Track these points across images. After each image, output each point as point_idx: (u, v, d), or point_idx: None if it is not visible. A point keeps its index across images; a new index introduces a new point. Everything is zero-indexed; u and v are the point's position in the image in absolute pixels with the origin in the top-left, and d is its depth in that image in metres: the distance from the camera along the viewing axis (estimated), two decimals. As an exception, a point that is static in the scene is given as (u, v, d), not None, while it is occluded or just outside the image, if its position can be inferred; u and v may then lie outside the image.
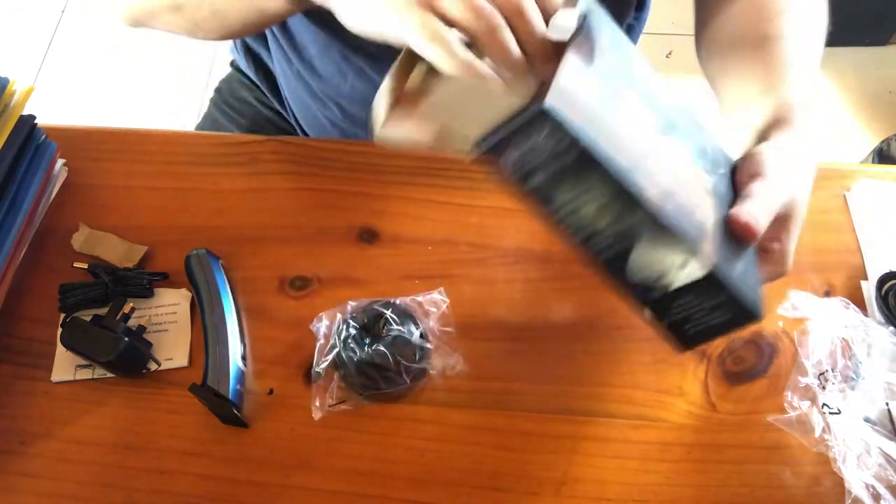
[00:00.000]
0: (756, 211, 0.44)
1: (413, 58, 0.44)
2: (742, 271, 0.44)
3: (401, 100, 0.44)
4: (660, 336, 0.46)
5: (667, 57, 1.76)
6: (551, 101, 0.37)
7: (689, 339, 0.46)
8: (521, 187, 0.40)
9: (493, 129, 0.38)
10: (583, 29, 0.41)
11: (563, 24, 0.40)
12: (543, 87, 0.39)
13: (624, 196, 0.39)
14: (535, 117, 0.37)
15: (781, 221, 0.48)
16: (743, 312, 0.43)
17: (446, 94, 0.42)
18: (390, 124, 0.44)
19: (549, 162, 0.38)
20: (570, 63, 0.39)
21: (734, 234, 0.44)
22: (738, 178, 0.48)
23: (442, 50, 0.38)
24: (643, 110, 0.44)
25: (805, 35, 0.58)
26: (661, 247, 0.41)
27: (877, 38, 1.78)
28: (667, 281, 0.42)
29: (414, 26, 0.39)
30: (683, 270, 0.41)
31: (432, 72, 0.43)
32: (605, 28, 0.45)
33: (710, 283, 0.42)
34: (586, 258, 0.43)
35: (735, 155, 0.51)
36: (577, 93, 0.39)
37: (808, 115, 0.53)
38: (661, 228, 0.40)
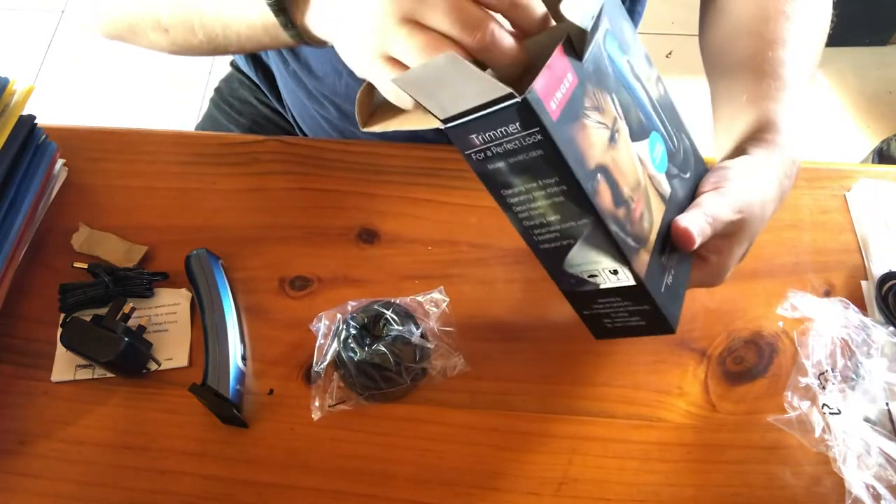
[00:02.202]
0: (698, 222, 0.45)
1: None
2: (672, 283, 0.47)
3: (380, 104, 0.46)
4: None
5: (667, 57, 1.76)
6: (534, 95, 0.36)
7: (605, 331, 0.50)
8: (481, 167, 0.41)
9: (468, 109, 0.38)
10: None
11: (584, 7, 0.39)
12: (527, 74, 0.39)
13: (577, 201, 0.40)
14: (512, 108, 0.37)
15: (727, 237, 0.49)
16: (660, 324, 0.47)
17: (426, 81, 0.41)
18: (372, 124, 0.46)
19: (514, 152, 0.39)
20: (559, 58, 0.39)
21: (674, 241, 0.46)
22: (701, 187, 0.49)
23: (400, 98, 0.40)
24: (621, 114, 0.44)
25: (805, 39, 0.58)
26: (599, 251, 0.43)
27: (877, 38, 1.78)
28: (598, 280, 0.45)
29: (376, 80, 0.41)
30: (614, 276, 0.44)
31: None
32: (610, 15, 0.44)
33: (637, 293, 0.45)
34: (528, 242, 0.45)
35: (711, 158, 0.52)
36: (557, 91, 0.39)
37: (791, 135, 0.52)
38: (603, 237, 0.42)
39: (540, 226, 0.43)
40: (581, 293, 0.47)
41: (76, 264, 0.61)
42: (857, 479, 0.51)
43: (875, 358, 0.56)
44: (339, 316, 0.57)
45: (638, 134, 0.45)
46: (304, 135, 0.85)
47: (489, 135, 0.38)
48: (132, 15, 0.58)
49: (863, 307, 0.60)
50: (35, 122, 0.64)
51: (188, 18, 0.53)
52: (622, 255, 0.42)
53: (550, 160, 0.39)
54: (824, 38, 0.60)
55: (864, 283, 0.61)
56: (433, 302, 0.59)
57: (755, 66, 0.56)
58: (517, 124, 0.37)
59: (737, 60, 0.58)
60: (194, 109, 1.74)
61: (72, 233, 0.64)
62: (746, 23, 0.59)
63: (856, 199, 0.66)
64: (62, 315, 0.59)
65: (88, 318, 0.56)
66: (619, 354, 0.58)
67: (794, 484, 0.53)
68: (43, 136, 0.65)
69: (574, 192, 0.40)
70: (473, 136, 0.39)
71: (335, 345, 0.55)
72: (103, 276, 0.59)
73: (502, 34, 0.38)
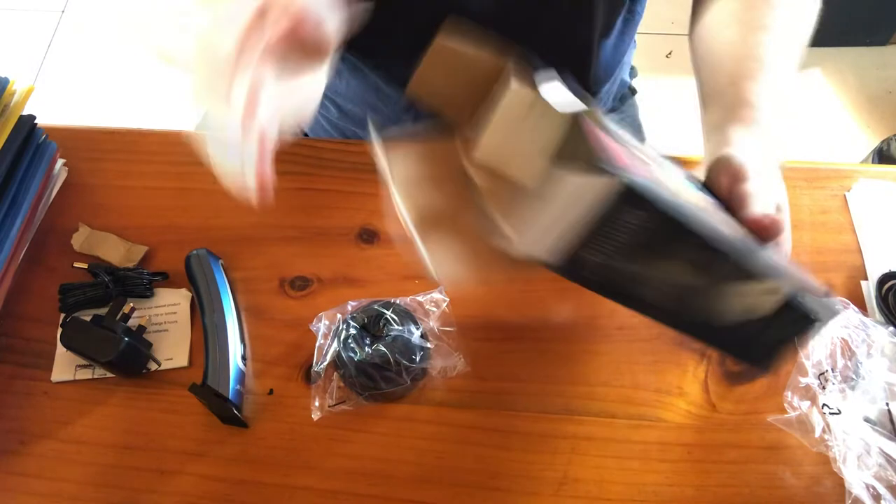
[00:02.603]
0: (768, 207, 0.44)
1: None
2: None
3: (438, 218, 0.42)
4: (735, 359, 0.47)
5: (667, 57, 1.76)
6: (630, 178, 0.34)
7: (774, 355, 0.45)
8: (604, 279, 0.38)
9: (557, 234, 0.35)
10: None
11: (564, 101, 0.37)
12: (590, 162, 0.35)
13: (715, 250, 0.38)
14: (617, 199, 0.33)
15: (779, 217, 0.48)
16: (827, 311, 0.43)
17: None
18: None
19: (632, 242, 0.36)
20: (598, 133, 0.37)
21: (760, 234, 0.43)
22: (719, 186, 0.48)
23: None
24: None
25: (789, 25, 0.58)
26: (748, 283, 0.40)
27: (877, 38, 1.78)
28: (759, 311, 0.41)
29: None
30: (771, 296, 0.41)
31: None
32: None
33: (796, 295, 0.41)
34: (676, 327, 0.42)
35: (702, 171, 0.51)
36: (633, 161, 0.36)
37: (768, 114, 0.52)
38: (751, 266, 0.39)
39: (685, 301, 0.40)
40: (746, 337, 0.43)
41: (76, 264, 0.61)
42: (857, 479, 0.51)
43: (875, 358, 0.56)
44: (339, 316, 0.57)
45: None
46: (305, 135, 0.85)
47: (599, 241, 0.35)
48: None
49: (863, 307, 0.59)
50: (35, 122, 0.64)
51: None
52: (770, 267, 0.40)
53: (674, 227, 0.36)
54: (810, 25, 0.60)
55: (864, 283, 0.61)
56: (433, 302, 0.59)
57: (736, 50, 0.56)
58: (627, 209, 0.34)
59: (720, 48, 0.58)
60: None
61: (72, 233, 0.64)
62: (730, 12, 0.59)
63: (856, 199, 0.66)
64: (62, 315, 0.59)
65: (88, 318, 0.56)
66: (619, 354, 0.58)
67: (794, 484, 0.53)
68: (43, 136, 0.65)
69: (709, 243, 0.37)
70: (580, 254, 0.36)
71: (335, 345, 0.55)
72: (103, 276, 0.59)
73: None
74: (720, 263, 0.39)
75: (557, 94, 0.38)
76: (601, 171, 0.34)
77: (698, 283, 0.39)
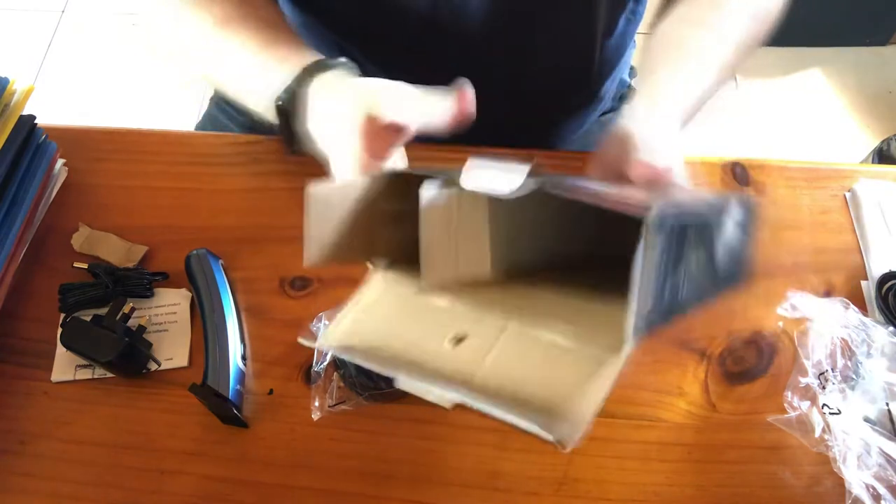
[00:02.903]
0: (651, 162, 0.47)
1: None
2: None
3: None
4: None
5: (667, 57, 1.76)
6: (652, 206, 0.33)
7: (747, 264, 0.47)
8: (663, 312, 0.38)
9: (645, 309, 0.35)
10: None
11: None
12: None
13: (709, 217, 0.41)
14: (655, 233, 0.33)
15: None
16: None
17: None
18: None
19: (668, 262, 0.36)
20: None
21: (653, 186, 0.46)
22: (609, 154, 0.50)
23: None
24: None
25: (733, 27, 0.59)
26: (725, 227, 0.42)
27: (877, 38, 1.78)
28: (732, 242, 0.43)
29: None
30: (736, 225, 0.43)
31: None
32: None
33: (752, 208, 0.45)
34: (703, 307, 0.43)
35: None
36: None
37: (673, 96, 0.53)
38: (724, 213, 0.42)
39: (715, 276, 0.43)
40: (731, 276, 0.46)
41: (76, 264, 0.61)
42: (857, 479, 0.51)
43: (875, 358, 0.56)
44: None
45: None
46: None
47: (666, 277, 0.36)
48: (175, 56, 0.61)
49: (863, 307, 0.60)
50: (35, 122, 0.64)
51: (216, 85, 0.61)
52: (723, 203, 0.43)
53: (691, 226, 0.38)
54: (765, 24, 0.60)
55: (864, 283, 0.61)
56: (433, 302, 0.58)
57: (669, 42, 0.58)
58: (662, 237, 0.34)
59: (656, 43, 0.60)
60: (194, 109, 1.73)
61: (72, 233, 0.64)
62: (680, 15, 0.60)
63: (856, 199, 0.66)
64: (62, 315, 0.59)
65: (88, 318, 0.56)
66: (619, 354, 0.58)
67: (794, 484, 0.53)
68: (43, 136, 0.65)
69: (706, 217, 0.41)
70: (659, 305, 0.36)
71: (335, 345, 0.55)
72: (103, 276, 0.59)
73: None
74: (709, 227, 0.41)
75: (481, 175, 0.37)
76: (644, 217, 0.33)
77: (705, 256, 0.41)
